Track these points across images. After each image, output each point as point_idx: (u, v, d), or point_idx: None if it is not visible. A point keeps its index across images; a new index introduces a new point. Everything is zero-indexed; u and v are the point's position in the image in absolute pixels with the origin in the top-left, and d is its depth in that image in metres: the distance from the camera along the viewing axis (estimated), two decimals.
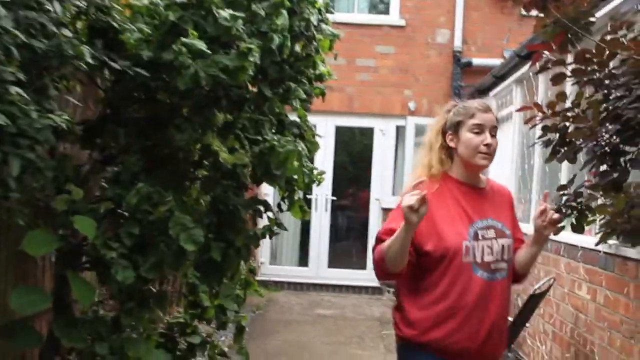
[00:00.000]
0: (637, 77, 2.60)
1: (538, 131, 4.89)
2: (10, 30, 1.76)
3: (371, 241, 8.26)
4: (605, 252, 3.37)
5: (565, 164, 3.42)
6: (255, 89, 2.62)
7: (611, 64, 2.71)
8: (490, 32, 8.41)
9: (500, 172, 6.19)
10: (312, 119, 2.92)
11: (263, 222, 2.82)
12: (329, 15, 2.92)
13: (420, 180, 2.10)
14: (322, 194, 8.36)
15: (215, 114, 2.45)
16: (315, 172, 2.73)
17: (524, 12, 8.21)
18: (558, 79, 2.85)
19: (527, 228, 4.97)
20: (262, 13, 2.39)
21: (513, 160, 5.68)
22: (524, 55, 5.34)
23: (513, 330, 3.70)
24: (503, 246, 2.18)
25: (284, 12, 2.42)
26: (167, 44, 2.31)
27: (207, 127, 2.40)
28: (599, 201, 2.95)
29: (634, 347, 3.01)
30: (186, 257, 2.31)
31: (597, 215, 2.91)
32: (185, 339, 3.05)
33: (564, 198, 2.84)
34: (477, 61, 8.31)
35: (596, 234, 3.24)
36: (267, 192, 6.73)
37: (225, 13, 2.22)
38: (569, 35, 2.83)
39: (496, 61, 8.12)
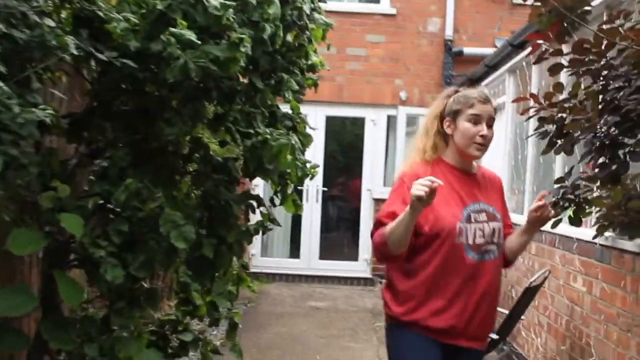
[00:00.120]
0: (636, 68, 2.55)
1: (532, 121, 4.86)
2: None
3: (363, 232, 8.29)
4: (601, 245, 3.34)
5: (560, 155, 3.39)
6: (246, 80, 2.55)
7: (609, 54, 2.67)
8: (481, 21, 8.36)
9: (493, 162, 6.16)
10: (302, 109, 2.86)
11: (255, 217, 2.76)
12: (321, 4, 2.84)
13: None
14: (313, 185, 8.29)
15: (205, 106, 2.38)
16: (308, 165, 2.66)
17: (515, 1, 8.23)
18: (555, 70, 2.80)
19: (521, 219, 4.94)
20: (254, 1, 2.31)
21: (506, 150, 5.65)
22: (517, 45, 5.29)
23: (508, 323, 3.67)
24: (494, 229, 2.26)
25: (276, 0, 2.34)
26: (155, 34, 2.22)
27: (197, 120, 2.32)
28: (595, 193, 2.92)
29: (631, 341, 2.99)
30: (177, 254, 2.24)
31: (594, 207, 2.87)
32: (177, 336, 2.98)
33: (562, 191, 2.80)
34: (468, 50, 8.26)
35: (592, 226, 3.21)
36: (257, 183, 6.66)
37: (215, 2, 2.14)
38: (565, 25, 2.79)
39: (488, 50, 8.06)
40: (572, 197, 2.81)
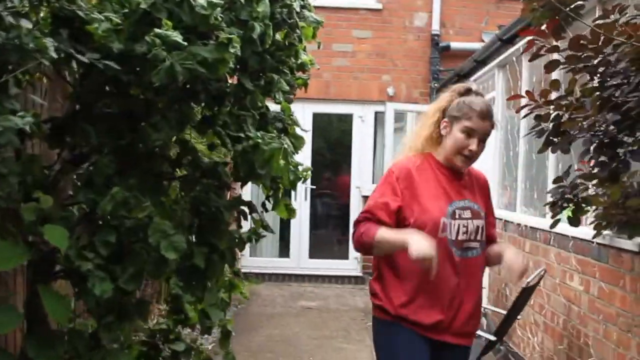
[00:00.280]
0: (634, 64, 2.49)
1: (522, 116, 4.81)
2: None
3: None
4: (598, 243, 3.29)
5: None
6: (233, 80, 2.46)
7: (605, 50, 2.61)
8: (468, 15, 8.31)
9: (483, 158, 6.12)
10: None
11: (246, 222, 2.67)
12: (310, 0, 2.75)
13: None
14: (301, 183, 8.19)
15: (192, 109, 2.28)
16: (300, 168, 2.57)
17: None
18: (552, 67, 2.74)
19: (514, 216, 4.92)
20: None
21: (497, 146, 5.60)
22: (506, 39, 5.23)
23: (505, 323, 3.62)
24: (478, 227, 2.28)
25: None
26: (139, 35, 2.12)
27: (184, 124, 2.22)
28: (591, 191, 2.87)
29: (632, 341, 2.94)
30: (167, 265, 2.14)
31: (592, 206, 2.82)
32: (169, 346, 2.89)
33: (560, 191, 2.74)
34: (455, 45, 8.20)
35: (590, 224, 3.16)
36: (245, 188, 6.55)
37: (202, 0, 2.03)
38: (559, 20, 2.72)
39: (475, 45, 8.02)
40: (570, 197, 2.76)
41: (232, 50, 1.97)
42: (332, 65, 8.28)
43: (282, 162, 2.19)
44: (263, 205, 2.56)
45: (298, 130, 2.67)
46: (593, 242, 3.36)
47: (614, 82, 2.53)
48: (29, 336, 2.27)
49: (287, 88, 2.51)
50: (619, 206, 2.77)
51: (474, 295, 2.29)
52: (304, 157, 7.25)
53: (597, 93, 2.59)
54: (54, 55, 1.87)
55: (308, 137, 8.08)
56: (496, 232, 2.49)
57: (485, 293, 5.55)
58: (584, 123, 2.58)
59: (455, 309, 2.22)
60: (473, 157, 2.29)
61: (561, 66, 2.66)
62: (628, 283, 3.01)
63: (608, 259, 3.26)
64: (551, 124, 2.78)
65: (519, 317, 3.87)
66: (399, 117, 8.25)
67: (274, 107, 2.67)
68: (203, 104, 2.32)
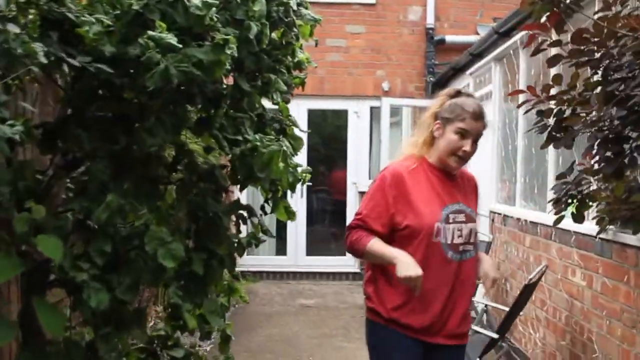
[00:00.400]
0: (638, 58, 2.44)
1: (522, 111, 4.76)
2: None
3: None
4: (601, 238, 3.25)
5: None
6: (228, 80, 2.39)
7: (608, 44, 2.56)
8: (462, 8, 8.25)
9: (481, 152, 6.07)
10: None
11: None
12: None
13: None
14: None
15: (188, 113, 2.22)
16: (299, 169, 2.51)
17: None
18: (554, 61, 2.69)
19: (513, 210, 4.87)
20: None
21: (495, 140, 5.55)
22: (503, 32, 5.18)
23: (507, 320, 3.58)
24: (471, 230, 2.30)
25: None
26: (131, 37, 2.05)
27: (180, 128, 2.16)
28: (593, 186, 2.82)
29: (637, 337, 2.91)
30: (165, 273, 2.09)
31: (596, 202, 2.78)
32: (168, 352, 2.83)
33: (565, 188, 2.70)
34: (450, 38, 8.15)
35: (592, 218, 3.12)
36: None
37: (197, 0, 1.97)
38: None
39: (470, 38, 7.97)
40: (574, 193, 2.72)
41: (228, 52, 1.91)
42: (325, 60, 8.21)
43: (281, 164, 2.13)
44: (262, 208, 2.50)
45: (296, 131, 2.61)
46: (596, 238, 3.32)
47: (618, 76, 2.49)
48: (25, 347, 2.21)
49: (285, 88, 2.45)
50: (623, 201, 2.73)
51: (467, 297, 2.31)
52: (299, 154, 7.19)
53: (602, 87, 2.55)
54: (44, 60, 1.80)
55: (303, 134, 8.04)
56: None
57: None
58: (588, 118, 2.53)
59: (449, 312, 2.25)
60: (467, 157, 2.30)
61: (564, 60, 2.61)
62: (632, 278, 2.98)
63: (611, 254, 3.22)
64: (553, 120, 2.73)
65: (520, 313, 3.83)
66: (395, 112, 8.20)
67: (268, 105, 2.61)
68: (199, 107, 2.25)
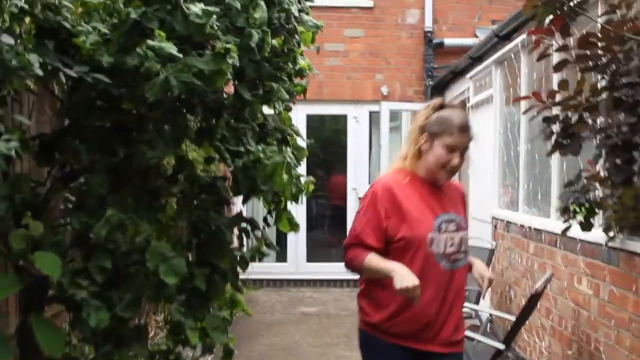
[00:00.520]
0: None
1: (523, 115, 4.69)
2: None
3: None
4: (608, 246, 3.19)
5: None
6: (228, 88, 2.34)
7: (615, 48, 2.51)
8: (461, 11, 8.20)
9: (481, 157, 6.01)
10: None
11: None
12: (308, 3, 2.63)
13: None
14: None
15: (188, 124, 2.16)
16: (302, 180, 2.46)
17: None
18: (561, 66, 2.64)
19: (516, 216, 4.82)
20: (237, 5, 2.09)
21: (496, 144, 5.50)
22: (503, 36, 5.13)
23: (513, 330, 3.53)
24: (462, 239, 2.32)
25: (262, 3, 2.12)
26: (129, 47, 2.00)
27: (180, 140, 2.10)
28: (598, 192, 2.77)
29: None
30: (167, 289, 2.03)
31: (609, 211, 2.73)
32: None
33: (573, 196, 2.65)
34: (449, 41, 8.10)
35: (600, 226, 3.07)
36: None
37: (196, 8, 1.92)
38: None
39: (468, 40, 7.92)
40: (582, 201, 2.67)
41: (230, 61, 1.86)
42: (324, 65, 8.14)
43: (285, 176, 2.08)
44: (265, 220, 2.45)
45: (299, 141, 2.55)
46: (602, 245, 3.26)
47: (626, 81, 2.44)
48: None
49: (287, 97, 2.39)
50: (631, 209, 2.68)
51: (460, 305, 2.34)
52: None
53: (609, 93, 2.50)
54: (39, 72, 1.75)
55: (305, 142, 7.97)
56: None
57: (487, 296, 5.47)
58: (597, 125, 2.48)
59: (443, 320, 2.26)
60: (455, 170, 2.33)
61: (570, 65, 2.56)
62: None
63: (619, 262, 3.16)
64: (560, 126, 2.68)
65: (525, 322, 3.78)
66: (394, 116, 8.14)
67: (267, 111, 2.55)
68: (200, 117, 2.20)
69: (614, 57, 2.51)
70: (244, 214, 2.53)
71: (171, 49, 1.83)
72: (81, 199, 2.09)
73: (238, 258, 2.30)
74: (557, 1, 2.59)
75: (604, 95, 2.57)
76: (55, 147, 2.34)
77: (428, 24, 8.19)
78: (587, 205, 2.67)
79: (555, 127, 2.69)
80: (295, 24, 2.36)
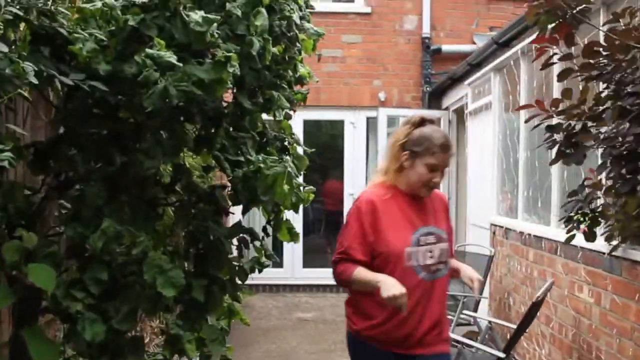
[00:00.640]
0: None
1: (523, 123, 4.67)
2: None
3: None
4: (610, 255, 3.16)
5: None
6: (229, 95, 2.30)
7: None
8: (458, 17, 8.20)
9: (480, 163, 5.99)
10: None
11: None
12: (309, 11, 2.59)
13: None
14: None
15: (187, 133, 2.12)
16: (303, 189, 2.42)
17: None
18: (565, 75, 2.61)
19: (515, 223, 4.79)
20: (238, 12, 2.05)
21: (495, 151, 5.47)
22: (502, 43, 5.11)
23: (514, 339, 3.49)
24: (442, 250, 2.39)
25: (263, 10, 2.09)
26: (127, 55, 1.95)
27: (179, 150, 2.06)
28: (599, 200, 2.75)
29: None
30: (164, 301, 1.98)
31: (611, 220, 2.70)
32: None
33: (577, 206, 2.62)
34: (446, 47, 8.09)
35: (602, 234, 3.04)
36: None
37: (197, 16, 1.88)
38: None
39: (466, 47, 7.91)
40: (587, 211, 2.64)
41: (230, 70, 1.82)
42: (322, 71, 8.10)
43: (286, 187, 2.03)
44: (264, 229, 2.40)
45: (299, 149, 2.51)
46: (604, 254, 3.23)
47: (632, 90, 2.41)
48: None
49: (288, 105, 2.35)
50: (634, 218, 2.65)
51: (442, 309, 2.43)
52: None
53: (612, 102, 2.47)
54: (34, 80, 1.70)
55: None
56: (453, 247, 2.62)
57: (486, 302, 5.43)
58: (602, 134, 2.45)
59: (426, 327, 2.34)
60: (436, 186, 2.41)
61: (574, 74, 2.54)
62: None
63: (621, 271, 3.14)
64: (563, 135, 2.65)
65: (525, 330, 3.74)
66: (391, 122, 8.11)
67: (265, 117, 2.51)
68: (199, 126, 2.16)
69: (619, 66, 2.49)
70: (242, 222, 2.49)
71: (171, 57, 1.78)
72: (77, 208, 2.04)
73: (237, 268, 2.25)
74: (559, 9, 2.58)
75: (607, 104, 2.55)
76: (50, 155, 2.29)
77: (426, 30, 8.18)
78: (590, 214, 2.65)
79: (559, 136, 2.66)
80: (297, 32, 2.32)
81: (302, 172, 2.37)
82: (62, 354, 2.42)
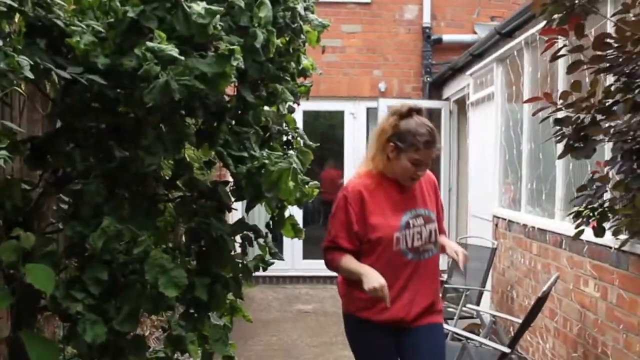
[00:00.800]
0: None
1: (526, 113, 4.61)
2: None
3: None
4: (617, 249, 3.12)
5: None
6: (230, 89, 2.23)
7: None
8: (459, 7, 8.10)
9: (482, 154, 5.94)
10: None
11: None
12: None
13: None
14: None
15: (189, 128, 2.06)
16: (307, 185, 2.36)
17: None
18: (575, 67, 2.55)
19: (518, 216, 4.74)
20: (241, 3, 1.98)
21: (497, 143, 5.42)
22: (505, 33, 5.04)
23: (519, 333, 3.46)
24: (431, 231, 2.46)
25: (267, 1, 2.02)
26: (126, 47, 1.89)
27: (180, 145, 2.00)
28: (607, 194, 2.70)
29: None
30: (167, 301, 1.93)
31: (618, 215, 2.65)
32: None
33: (586, 201, 2.57)
34: (447, 37, 8.00)
35: (609, 228, 2.99)
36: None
37: (199, 7, 1.81)
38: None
39: (467, 37, 7.83)
40: (596, 206, 2.59)
41: (234, 63, 1.75)
42: (321, 61, 7.97)
43: (291, 183, 1.98)
44: (267, 226, 2.35)
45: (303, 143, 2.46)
46: (611, 248, 3.19)
47: None
48: None
49: (292, 98, 2.29)
50: None
51: (434, 286, 2.53)
52: None
53: (622, 95, 2.42)
54: (30, 75, 1.64)
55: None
56: (443, 225, 2.68)
57: (488, 295, 5.40)
58: (613, 128, 2.40)
59: (417, 304, 2.43)
60: (420, 177, 2.46)
61: (584, 66, 2.48)
62: None
63: (628, 266, 3.09)
64: (571, 128, 2.60)
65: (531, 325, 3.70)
66: None
67: (266, 109, 2.45)
68: (201, 122, 2.10)
69: (629, 58, 2.43)
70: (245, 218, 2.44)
71: (172, 51, 1.72)
72: (76, 206, 1.98)
73: (240, 267, 2.20)
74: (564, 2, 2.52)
75: (617, 97, 2.49)
76: (47, 150, 2.23)
77: (426, 19, 8.08)
78: (599, 209, 2.60)
79: (567, 130, 2.61)
80: (301, 23, 2.26)
81: (306, 168, 2.30)
82: (62, 353, 2.38)
